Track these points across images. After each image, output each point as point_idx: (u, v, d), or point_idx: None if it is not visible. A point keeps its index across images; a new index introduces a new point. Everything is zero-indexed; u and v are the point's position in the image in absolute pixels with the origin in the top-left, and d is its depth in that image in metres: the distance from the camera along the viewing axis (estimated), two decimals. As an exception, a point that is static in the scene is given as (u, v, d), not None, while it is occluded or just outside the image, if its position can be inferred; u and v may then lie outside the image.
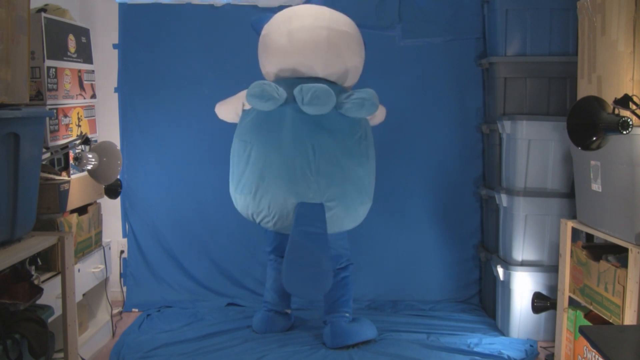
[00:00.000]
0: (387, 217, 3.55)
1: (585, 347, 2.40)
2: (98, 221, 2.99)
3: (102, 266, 3.00)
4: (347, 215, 2.80)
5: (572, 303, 2.58)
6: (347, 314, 2.97)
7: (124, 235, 3.62)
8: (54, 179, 2.59)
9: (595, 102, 2.26)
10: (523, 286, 3.00)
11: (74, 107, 2.80)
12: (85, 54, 2.92)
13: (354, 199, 2.78)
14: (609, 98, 2.24)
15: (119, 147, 2.97)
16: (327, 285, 2.71)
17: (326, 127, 2.73)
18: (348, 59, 2.84)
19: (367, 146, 2.83)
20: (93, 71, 3.01)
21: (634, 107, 2.13)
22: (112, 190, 3.03)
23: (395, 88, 3.50)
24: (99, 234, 3.01)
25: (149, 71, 3.53)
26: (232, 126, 2.98)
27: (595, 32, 2.42)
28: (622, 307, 2.12)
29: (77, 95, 2.83)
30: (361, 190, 2.80)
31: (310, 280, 2.71)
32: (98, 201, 3.01)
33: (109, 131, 3.47)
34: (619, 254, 2.23)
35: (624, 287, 2.11)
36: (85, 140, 2.68)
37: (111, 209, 3.48)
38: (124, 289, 3.59)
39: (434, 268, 3.60)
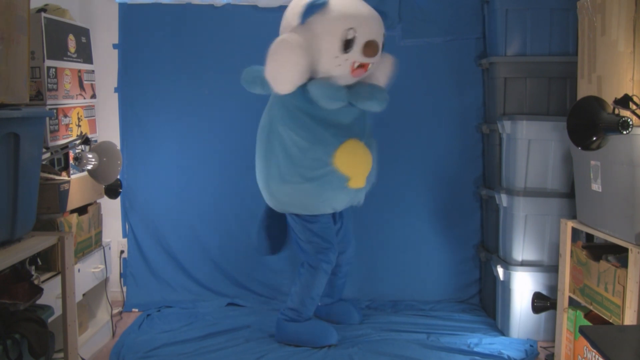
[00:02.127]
0: (387, 217, 3.55)
1: (585, 347, 2.40)
2: (98, 221, 2.99)
3: (102, 266, 3.00)
4: (267, 197, 2.94)
5: (572, 303, 2.58)
6: (285, 314, 2.97)
7: (124, 235, 3.61)
8: (54, 179, 2.59)
9: (595, 102, 2.26)
10: (523, 286, 3.00)
11: (74, 107, 2.80)
12: (85, 54, 2.92)
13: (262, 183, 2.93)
14: (609, 98, 2.24)
15: (119, 147, 2.97)
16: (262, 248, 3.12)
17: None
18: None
19: (266, 138, 2.86)
20: (93, 71, 3.01)
21: (634, 107, 2.13)
22: (112, 190, 3.03)
23: (395, 88, 3.49)
24: (99, 234, 3.01)
25: (149, 71, 3.52)
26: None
27: (595, 32, 2.42)
28: (622, 307, 2.12)
29: (77, 95, 2.83)
30: (264, 175, 2.88)
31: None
32: (98, 201, 3.01)
33: (109, 131, 3.46)
34: (619, 254, 2.23)
35: (624, 287, 2.11)
36: (85, 140, 2.68)
37: (111, 209, 3.48)
38: (124, 289, 3.59)
39: (434, 268, 3.60)
